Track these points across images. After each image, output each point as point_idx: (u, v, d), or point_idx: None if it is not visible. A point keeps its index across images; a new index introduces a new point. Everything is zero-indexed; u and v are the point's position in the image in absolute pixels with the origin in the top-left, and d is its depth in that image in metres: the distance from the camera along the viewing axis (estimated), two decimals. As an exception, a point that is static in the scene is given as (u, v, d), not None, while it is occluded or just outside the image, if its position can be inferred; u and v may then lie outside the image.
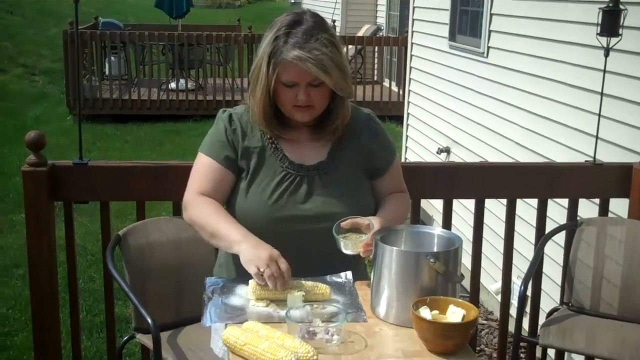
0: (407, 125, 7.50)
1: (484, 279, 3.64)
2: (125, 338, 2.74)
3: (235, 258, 2.31)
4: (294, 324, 1.82)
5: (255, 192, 2.24)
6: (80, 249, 5.32)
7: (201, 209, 2.24)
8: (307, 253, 2.18)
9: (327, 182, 2.25)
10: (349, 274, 2.19)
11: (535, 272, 3.16)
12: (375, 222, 2.13)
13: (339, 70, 2.15)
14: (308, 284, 2.05)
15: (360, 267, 2.34)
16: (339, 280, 2.18)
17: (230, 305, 2.02)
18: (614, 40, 3.13)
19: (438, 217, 6.07)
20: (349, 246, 2.11)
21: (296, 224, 2.20)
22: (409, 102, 7.45)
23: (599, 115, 3.25)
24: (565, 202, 3.31)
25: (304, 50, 2.10)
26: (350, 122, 2.32)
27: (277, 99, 2.22)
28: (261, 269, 1.99)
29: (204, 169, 2.29)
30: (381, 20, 13.19)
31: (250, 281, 2.05)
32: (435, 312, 1.86)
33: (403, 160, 7.42)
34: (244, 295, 2.07)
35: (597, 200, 3.32)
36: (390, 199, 2.37)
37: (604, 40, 3.14)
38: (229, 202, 2.31)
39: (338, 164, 2.29)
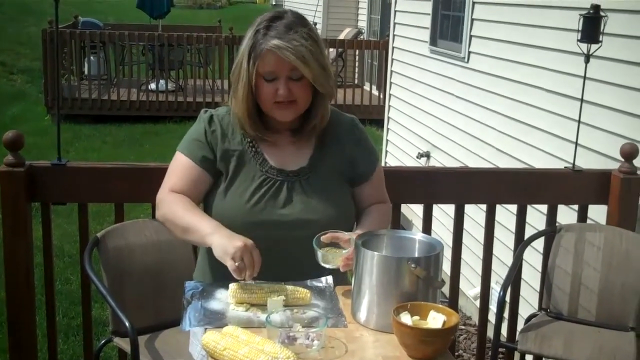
0: (388, 129, 7.51)
1: (462, 285, 3.65)
2: (103, 342, 2.71)
3: (214, 263, 2.29)
4: (274, 329, 1.81)
5: (233, 195, 2.22)
6: (57, 250, 5.27)
7: (172, 205, 2.22)
8: (286, 259, 2.16)
9: (308, 188, 2.24)
10: (330, 278, 2.18)
11: (514, 277, 3.17)
12: (355, 238, 2.10)
13: (317, 64, 2.14)
14: (289, 288, 2.04)
15: (340, 272, 2.32)
16: (320, 284, 2.17)
17: (210, 309, 2.01)
18: (594, 46, 3.16)
19: (418, 222, 6.08)
20: (329, 259, 2.08)
21: (274, 229, 2.17)
22: (389, 106, 7.46)
23: (579, 121, 3.27)
24: (544, 208, 3.32)
25: (282, 40, 2.10)
26: (333, 127, 2.31)
27: (258, 97, 2.20)
28: (236, 263, 1.96)
29: (180, 167, 2.27)
30: (362, 23, 13.22)
31: (230, 285, 2.03)
32: (416, 317, 1.86)
33: (383, 164, 7.43)
34: (224, 299, 2.05)
35: (576, 207, 3.34)
36: (371, 211, 2.35)
37: (584, 46, 3.16)
38: (206, 205, 2.29)
39: (319, 169, 2.27)
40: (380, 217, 2.34)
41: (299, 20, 2.18)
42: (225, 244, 2.01)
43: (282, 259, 2.15)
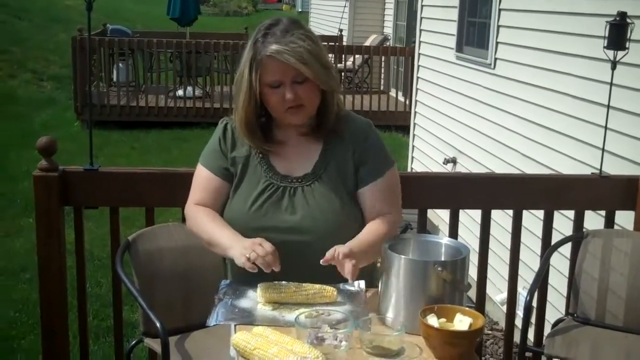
0: (414, 135, 7.52)
1: (489, 290, 3.65)
2: (133, 342, 2.76)
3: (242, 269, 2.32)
4: (303, 330, 1.84)
5: (238, 200, 2.28)
6: (87, 253, 5.34)
7: (197, 220, 2.31)
8: (289, 264, 2.15)
9: (310, 194, 2.26)
10: (362, 283, 2.19)
11: (541, 283, 3.17)
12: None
13: (318, 62, 2.18)
14: (316, 286, 2.09)
15: (368, 275, 2.33)
16: (352, 288, 2.18)
17: (239, 307, 2.06)
18: (620, 53, 3.16)
19: (444, 227, 6.09)
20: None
21: (276, 234, 2.20)
22: (415, 112, 7.48)
23: (605, 127, 3.27)
24: (571, 213, 3.32)
25: (281, 45, 2.15)
26: (344, 130, 2.32)
27: (267, 105, 2.24)
28: (247, 255, 2.03)
29: (201, 179, 2.36)
30: (388, 30, 13.23)
31: (259, 285, 2.08)
32: (443, 320, 1.88)
33: (409, 170, 7.44)
34: (254, 298, 2.10)
35: (603, 212, 3.34)
36: (366, 230, 2.25)
37: (610, 53, 3.17)
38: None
39: (323, 176, 2.28)
40: (373, 234, 2.22)
41: (295, 25, 2.23)
42: (239, 250, 2.09)
43: (287, 263, 2.16)
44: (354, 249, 2.08)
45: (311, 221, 2.23)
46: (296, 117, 2.24)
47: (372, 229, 2.25)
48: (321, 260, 2.05)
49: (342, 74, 12.03)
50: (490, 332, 4.83)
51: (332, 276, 2.14)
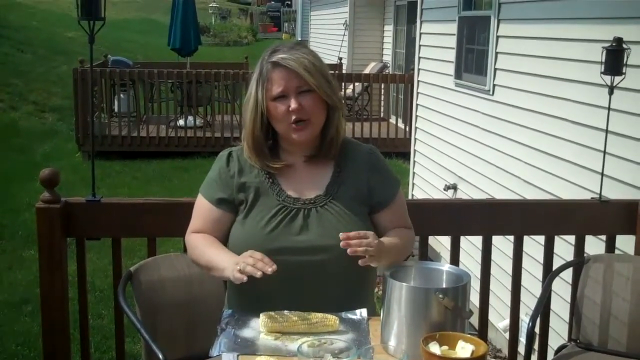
0: (414, 162, 7.54)
1: (491, 316, 3.65)
2: (136, 374, 2.75)
3: (241, 292, 2.32)
4: (306, 359, 1.84)
5: (251, 223, 2.29)
6: (88, 285, 5.33)
7: (194, 247, 2.34)
8: (305, 285, 2.20)
9: (324, 214, 2.28)
10: (364, 311, 2.20)
11: (543, 309, 3.17)
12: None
13: (320, 73, 2.24)
14: (318, 315, 2.09)
15: (368, 302, 2.35)
16: (354, 317, 2.19)
17: (242, 336, 2.06)
18: (617, 78, 3.18)
19: (445, 254, 6.09)
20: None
21: (291, 255, 2.22)
22: (415, 139, 7.51)
23: (604, 152, 3.29)
24: (572, 238, 3.33)
25: (285, 54, 2.23)
26: (352, 155, 2.37)
27: (272, 120, 2.27)
28: (239, 267, 2.04)
29: (200, 209, 2.38)
30: (387, 57, 13.31)
31: (261, 315, 2.08)
32: (445, 347, 1.88)
33: (410, 197, 7.45)
34: (257, 327, 2.10)
35: (603, 237, 3.34)
36: (392, 232, 2.35)
37: (607, 78, 3.19)
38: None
39: (336, 197, 2.31)
40: (401, 236, 2.32)
41: (300, 44, 2.34)
42: (230, 271, 2.09)
43: (303, 284, 2.19)
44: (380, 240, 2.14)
45: (326, 241, 2.23)
46: (301, 133, 2.26)
47: (400, 236, 2.32)
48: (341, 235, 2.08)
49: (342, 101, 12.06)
50: (493, 359, 4.81)
51: (347, 296, 2.17)
